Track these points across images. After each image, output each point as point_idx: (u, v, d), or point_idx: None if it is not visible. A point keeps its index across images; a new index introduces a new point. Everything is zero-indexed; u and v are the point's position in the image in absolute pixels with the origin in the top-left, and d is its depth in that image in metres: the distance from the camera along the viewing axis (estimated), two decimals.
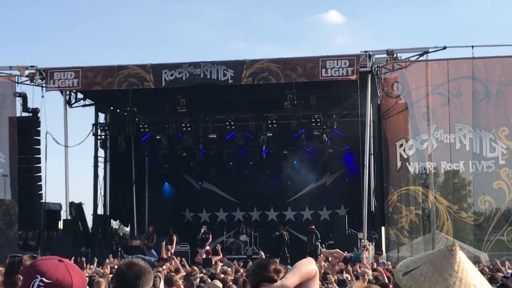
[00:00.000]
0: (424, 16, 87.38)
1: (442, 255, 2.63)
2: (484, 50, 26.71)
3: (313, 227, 29.36)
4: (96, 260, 21.29)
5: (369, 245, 23.78)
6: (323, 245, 28.99)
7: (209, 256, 23.06)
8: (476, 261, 21.56)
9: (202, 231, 28.85)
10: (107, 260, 21.54)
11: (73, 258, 11.83)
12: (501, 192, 25.48)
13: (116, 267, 13.86)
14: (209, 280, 12.13)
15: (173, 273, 12.54)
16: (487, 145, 25.64)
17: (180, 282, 11.63)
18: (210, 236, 28.34)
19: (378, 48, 26.77)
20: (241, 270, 16.79)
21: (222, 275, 14.07)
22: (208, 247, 26.29)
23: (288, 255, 28.05)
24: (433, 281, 2.57)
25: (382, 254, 24.17)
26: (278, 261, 4.12)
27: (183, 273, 14.49)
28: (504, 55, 26.40)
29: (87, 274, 14.83)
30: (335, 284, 12.38)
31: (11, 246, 26.29)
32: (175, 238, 22.85)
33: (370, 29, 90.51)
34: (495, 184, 25.54)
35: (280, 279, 3.83)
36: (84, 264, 20.33)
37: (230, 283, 12.08)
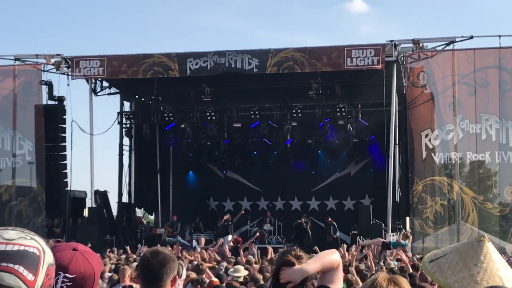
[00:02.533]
0: (451, 5, 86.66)
1: (470, 245, 2.63)
2: (511, 40, 26.38)
3: (330, 219, 29.40)
4: (115, 250, 21.41)
5: (409, 234, 23.71)
6: (348, 234, 28.98)
7: (238, 244, 23.05)
8: (502, 252, 21.39)
9: (225, 218, 28.97)
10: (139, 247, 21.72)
11: (89, 246, 11.88)
12: None
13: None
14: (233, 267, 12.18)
15: (201, 262, 12.62)
16: None
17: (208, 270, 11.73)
18: (232, 226, 28.54)
19: (404, 38, 26.59)
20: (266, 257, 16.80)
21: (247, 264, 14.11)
22: (234, 236, 26.25)
23: (312, 243, 28.07)
24: (457, 270, 2.56)
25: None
26: (299, 248, 4.15)
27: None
28: None
29: (113, 262, 14.95)
30: (355, 274, 12.34)
31: (37, 233, 26.46)
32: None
33: (395, 18, 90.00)
34: None
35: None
36: (109, 252, 20.50)
37: (255, 272, 12.11)
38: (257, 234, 26.74)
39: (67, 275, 3.04)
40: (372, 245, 20.36)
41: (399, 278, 2.83)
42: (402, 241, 21.34)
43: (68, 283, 3.03)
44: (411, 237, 23.70)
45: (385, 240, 22.38)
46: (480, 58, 25.69)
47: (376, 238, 22.40)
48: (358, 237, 24.88)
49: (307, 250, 22.09)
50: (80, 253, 3.12)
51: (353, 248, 20.30)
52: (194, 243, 23.97)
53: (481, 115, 25.56)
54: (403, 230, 24.48)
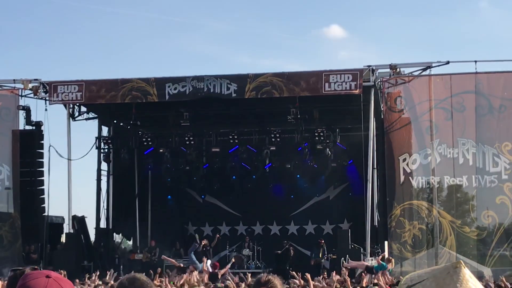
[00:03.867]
0: (427, 31, 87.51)
1: (446, 272, 2.61)
2: (487, 65, 26.68)
3: (323, 241, 29.28)
4: (96, 273, 21.21)
5: (391, 257, 23.71)
6: (327, 260, 28.94)
7: (216, 270, 22.95)
8: (479, 276, 21.48)
9: (204, 243, 28.79)
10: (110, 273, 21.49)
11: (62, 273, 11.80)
12: (504, 207, 25.43)
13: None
14: None
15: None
16: (490, 160, 25.60)
17: None
18: (211, 250, 28.38)
19: (381, 63, 26.81)
20: (242, 285, 16.74)
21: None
22: (211, 261, 26.10)
23: (290, 270, 27.99)
24: None
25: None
26: (276, 277, 4.19)
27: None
28: (508, 70, 26.38)
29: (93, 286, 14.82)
30: None
31: (14, 260, 26.27)
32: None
33: (372, 43, 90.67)
34: (498, 199, 25.49)
35: None
36: (86, 278, 20.30)
37: None
38: (233, 260, 26.54)
39: None
40: (357, 267, 20.42)
41: None
42: (382, 263, 21.37)
43: None
44: (393, 260, 23.71)
45: (368, 264, 22.43)
46: (456, 83, 25.96)
47: (361, 261, 22.44)
48: (342, 258, 24.85)
49: (289, 275, 22.12)
50: (54, 280, 3.11)
51: (333, 274, 20.28)
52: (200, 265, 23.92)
53: (458, 140, 25.77)
54: (383, 254, 24.48)
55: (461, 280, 2.57)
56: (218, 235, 31.12)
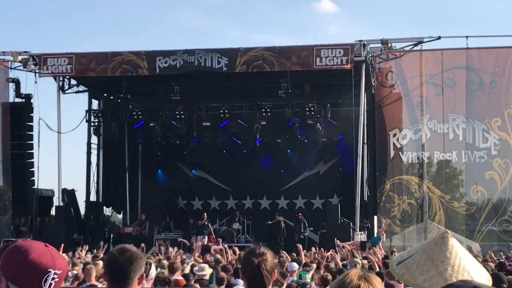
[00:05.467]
0: (419, 5, 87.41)
1: (434, 243, 2.63)
2: (478, 41, 26.80)
3: (301, 215, 29.42)
4: (85, 247, 21.19)
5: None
6: (316, 233, 29.10)
7: (209, 244, 22.94)
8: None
9: (205, 218, 28.99)
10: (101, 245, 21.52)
11: (62, 245, 11.77)
12: (493, 182, 25.56)
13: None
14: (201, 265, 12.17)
15: (174, 260, 12.60)
16: (480, 136, 25.69)
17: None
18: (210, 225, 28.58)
19: (371, 38, 26.76)
20: (232, 257, 16.79)
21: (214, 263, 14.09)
22: (209, 235, 26.11)
23: (283, 243, 28.20)
24: (425, 269, 2.57)
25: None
26: (262, 245, 4.22)
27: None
28: (498, 46, 26.41)
29: (83, 261, 14.84)
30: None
31: (2, 232, 26.27)
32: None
33: (363, 18, 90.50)
34: (487, 175, 25.62)
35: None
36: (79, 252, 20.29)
37: (219, 270, 12.12)
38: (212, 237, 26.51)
39: (56, 271, 3.03)
40: (350, 247, 20.47)
41: (371, 276, 2.75)
42: (377, 236, 21.43)
43: (56, 279, 3.04)
44: (384, 234, 23.79)
45: (362, 240, 22.52)
46: (447, 58, 25.97)
47: (354, 240, 22.51)
48: (336, 239, 24.85)
49: (280, 249, 22.17)
50: (52, 248, 3.13)
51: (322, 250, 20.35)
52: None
53: (448, 115, 25.84)
54: (379, 230, 24.38)
55: (450, 249, 2.59)
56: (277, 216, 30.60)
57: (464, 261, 2.59)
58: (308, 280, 11.54)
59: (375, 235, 22.15)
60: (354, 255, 15.97)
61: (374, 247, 17.35)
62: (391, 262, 2.75)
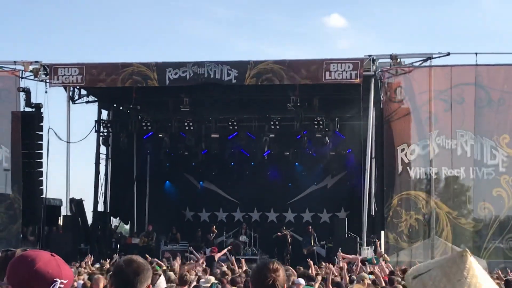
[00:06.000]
0: (428, 21, 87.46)
1: (452, 261, 2.61)
2: (487, 58, 26.74)
3: (311, 228, 29.37)
4: (89, 257, 21.20)
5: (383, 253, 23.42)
6: (323, 248, 29.03)
7: (213, 254, 22.97)
8: None
9: (215, 231, 29.15)
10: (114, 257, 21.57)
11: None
12: (500, 199, 25.51)
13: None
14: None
15: (186, 273, 12.62)
16: (488, 152, 25.66)
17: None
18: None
19: (381, 52, 26.83)
20: (239, 270, 16.80)
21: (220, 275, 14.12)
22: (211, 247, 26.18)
23: (289, 257, 28.16)
24: (441, 286, 2.56)
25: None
26: (276, 261, 4.20)
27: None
28: (508, 63, 26.40)
29: (89, 271, 14.89)
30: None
31: (10, 241, 26.33)
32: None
33: (372, 33, 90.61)
34: (495, 191, 25.56)
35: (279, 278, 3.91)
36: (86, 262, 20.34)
37: (225, 283, 12.15)
38: (229, 247, 26.65)
39: (63, 280, 3.07)
40: (352, 260, 20.44)
41: None
42: (375, 257, 21.37)
43: None
44: (385, 256, 23.56)
45: (362, 258, 22.46)
46: (456, 74, 25.98)
47: (356, 255, 22.48)
48: (339, 251, 24.77)
49: (286, 263, 22.15)
50: (58, 258, 3.16)
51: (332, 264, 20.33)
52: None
53: (456, 131, 25.83)
54: (379, 250, 24.22)
55: (468, 268, 2.58)
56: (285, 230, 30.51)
57: (480, 280, 2.58)
58: None
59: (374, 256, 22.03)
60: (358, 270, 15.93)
61: (376, 265, 17.33)
62: (407, 275, 2.76)
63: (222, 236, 31.41)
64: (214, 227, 29.89)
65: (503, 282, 14.41)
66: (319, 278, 13.82)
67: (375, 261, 20.75)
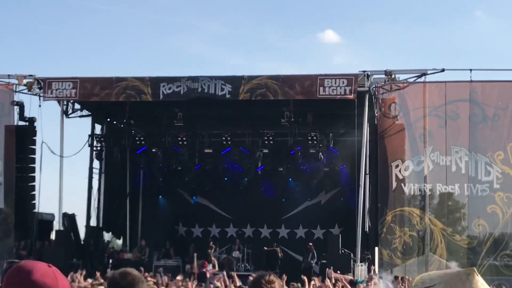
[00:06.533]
0: (423, 37, 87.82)
1: (458, 278, 2.55)
2: (482, 74, 26.85)
3: (311, 245, 29.25)
4: (80, 272, 21.05)
5: (378, 278, 23.13)
6: (317, 264, 28.91)
7: (203, 270, 22.90)
8: None
9: (214, 247, 29.05)
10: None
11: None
12: (495, 216, 25.49)
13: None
14: None
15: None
16: (483, 169, 25.67)
17: None
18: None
19: (375, 68, 26.84)
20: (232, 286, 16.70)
21: None
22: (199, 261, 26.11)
23: (279, 272, 27.98)
24: None
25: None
26: (271, 274, 4.14)
27: None
28: (502, 80, 26.49)
29: (83, 285, 14.76)
30: None
31: (3, 255, 26.15)
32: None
33: (367, 49, 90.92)
34: (489, 208, 25.56)
35: None
36: (78, 276, 20.19)
37: None
38: (214, 259, 26.52)
39: None
40: (341, 279, 20.36)
41: None
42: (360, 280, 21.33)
43: None
44: (375, 280, 23.35)
45: (352, 279, 22.38)
46: (451, 91, 26.04)
47: (345, 275, 22.40)
48: (329, 268, 24.64)
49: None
50: (55, 269, 3.10)
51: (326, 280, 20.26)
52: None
53: (451, 148, 25.84)
54: (371, 275, 23.97)
55: (473, 287, 2.51)
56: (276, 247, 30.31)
57: None
58: None
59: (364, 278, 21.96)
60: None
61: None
62: (411, 286, 2.69)
63: (216, 252, 31.22)
64: (212, 243, 29.77)
65: None
66: None
67: (365, 285, 20.67)
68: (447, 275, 2.62)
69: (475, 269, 2.59)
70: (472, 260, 25.22)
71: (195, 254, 27.02)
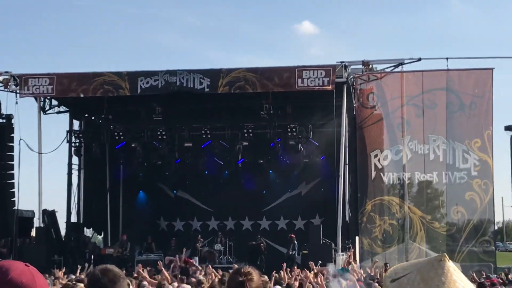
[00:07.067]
0: (399, 27, 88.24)
1: (430, 265, 2.57)
2: (458, 62, 27.06)
3: (293, 235, 29.34)
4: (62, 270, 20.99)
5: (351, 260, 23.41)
6: (298, 255, 29.00)
7: (187, 265, 22.89)
8: None
9: (202, 240, 29.11)
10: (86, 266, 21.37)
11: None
12: (473, 203, 25.74)
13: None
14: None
15: (164, 282, 12.55)
16: (460, 156, 25.90)
17: None
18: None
19: (353, 59, 26.97)
20: (215, 278, 16.72)
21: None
22: (182, 256, 26.10)
23: (264, 265, 28.06)
24: None
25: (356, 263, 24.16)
26: (248, 266, 4.17)
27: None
28: (478, 68, 26.69)
29: (63, 282, 14.72)
30: None
31: None
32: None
33: (344, 40, 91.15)
34: (467, 195, 25.79)
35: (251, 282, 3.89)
36: (57, 273, 20.12)
37: None
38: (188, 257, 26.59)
39: None
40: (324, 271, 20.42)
41: None
42: (345, 267, 21.41)
43: None
44: (353, 263, 23.54)
45: (335, 273, 22.43)
46: (428, 80, 26.20)
47: (328, 265, 22.47)
48: (310, 262, 24.67)
49: (260, 270, 22.08)
50: (32, 268, 3.09)
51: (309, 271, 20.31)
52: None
53: (429, 136, 26.04)
54: (348, 259, 24.15)
55: (445, 273, 2.54)
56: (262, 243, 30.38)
57: (460, 286, 2.55)
58: None
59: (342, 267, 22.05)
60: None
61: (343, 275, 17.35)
62: (384, 277, 2.71)
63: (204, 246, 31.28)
64: (200, 236, 29.95)
65: (476, 285, 14.51)
66: (296, 284, 13.81)
67: (346, 271, 20.76)
68: (419, 263, 2.65)
69: (445, 254, 2.64)
70: (451, 247, 25.47)
71: (184, 249, 27.04)
